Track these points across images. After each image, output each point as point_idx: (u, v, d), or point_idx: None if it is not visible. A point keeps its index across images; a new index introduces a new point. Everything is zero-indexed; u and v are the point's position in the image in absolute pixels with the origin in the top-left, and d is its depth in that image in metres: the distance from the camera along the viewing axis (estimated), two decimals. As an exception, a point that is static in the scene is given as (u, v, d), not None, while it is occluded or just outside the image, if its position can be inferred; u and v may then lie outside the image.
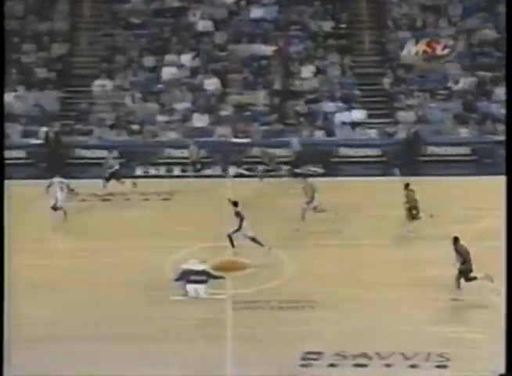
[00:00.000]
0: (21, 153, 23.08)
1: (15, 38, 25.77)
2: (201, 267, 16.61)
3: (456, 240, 15.15)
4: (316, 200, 18.49)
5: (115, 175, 20.82)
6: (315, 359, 13.41)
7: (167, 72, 25.65)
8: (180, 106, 24.94)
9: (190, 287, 15.86)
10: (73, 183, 21.08)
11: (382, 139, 24.20)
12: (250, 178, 22.59)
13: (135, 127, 24.31)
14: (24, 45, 25.73)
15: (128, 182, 20.92)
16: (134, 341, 14.06)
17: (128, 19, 26.84)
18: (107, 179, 20.80)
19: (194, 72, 25.77)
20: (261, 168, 22.25)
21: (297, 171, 22.85)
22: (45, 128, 23.49)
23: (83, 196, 20.77)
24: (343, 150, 23.79)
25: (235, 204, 17.41)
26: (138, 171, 22.93)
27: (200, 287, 15.87)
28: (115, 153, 21.96)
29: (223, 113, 24.90)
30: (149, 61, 25.96)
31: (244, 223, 17.13)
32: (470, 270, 15.01)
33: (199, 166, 22.34)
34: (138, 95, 25.04)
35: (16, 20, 26.21)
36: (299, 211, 18.66)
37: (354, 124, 24.66)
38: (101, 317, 14.83)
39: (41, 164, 22.81)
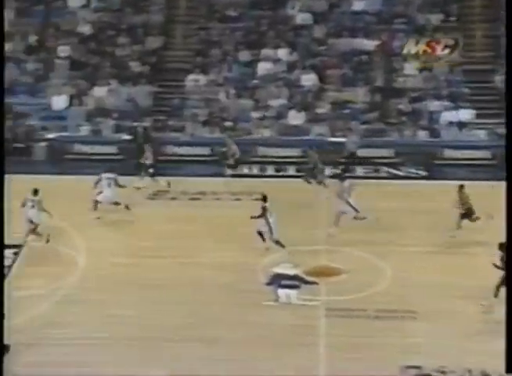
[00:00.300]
0: (112, 149, 23.67)
1: (110, 31, 26.49)
2: (294, 271, 16.60)
3: (501, 246, 14.74)
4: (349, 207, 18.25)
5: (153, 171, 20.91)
6: (414, 374, 13.15)
7: (263, 67, 25.79)
8: (275, 102, 25.02)
9: (282, 291, 15.90)
10: (163, 180, 21.62)
11: (492, 140, 23.52)
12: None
13: (228, 124, 24.54)
14: (119, 38, 26.35)
15: (162, 180, 20.99)
16: (222, 345, 14.21)
17: (224, 12, 27.15)
18: (151, 176, 20.99)
19: (291, 67, 25.80)
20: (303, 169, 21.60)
21: (399, 173, 22.56)
22: (134, 124, 24.03)
23: (173, 194, 21.15)
24: (448, 152, 23.32)
25: (264, 199, 17.53)
26: (230, 170, 23.08)
27: (292, 293, 15.88)
28: (149, 148, 21.80)
29: (320, 110, 24.82)
30: (244, 55, 26.17)
31: (260, 220, 17.23)
32: None
33: (232, 163, 21.81)
34: (232, 90, 25.27)
35: (112, 13, 26.93)
36: (395, 216, 18.39)
37: (461, 125, 24.09)
38: (189, 319, 15.04)
39: (132, 160, 23.30)
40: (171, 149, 23.84)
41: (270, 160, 23.42)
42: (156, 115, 24.78)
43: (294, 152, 23.58)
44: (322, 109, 24.83)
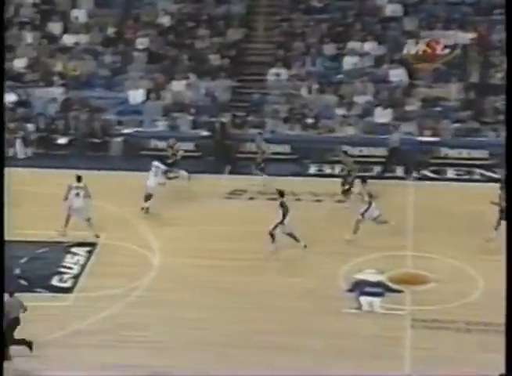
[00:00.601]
0: (190, 146, 23.88)
1: (190, 23, 26.74)
2: (377, 278, 16.43)
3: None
4: (374, 208, 17.88)
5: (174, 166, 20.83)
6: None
7: (349, 61, 25.62)
8: (361, 99, 24.81)
9: (364, 299, 15.76)
10: (240, 179, 21.68)
11: None
12: (437, 181, 22.06)
13: (310, 120, 24.46)
14: (199, 29, 26.56)
15: (183, 172, 20.87)
16: (299, 354, 14.15)
17: (309, 3, 27.07)
18: (168, 165, 20.84)
19: (378, 61, 25.55)
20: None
21: (494, 175, 22.09)
22: (212, 119, 24.19)
23: (251, 193, 21.20)
24: (549, 154, 22.59)
25: (281, 194, 17.66)
26: (312, 170, 23.03)
27: (375, 301, 15.73)
28: (172, 141, 21.72)
29: (409, 107, 24.48)
30: (329, 49, 26.03)
31: (287, 218, 17.27)
32: None
33: (263, 164, 21.51)
34: (315, 85, 25.17)
35: (192, 4, 27.19)
36: (489, 221, 17.92)
37: None
38: (265, 326, 15.04)
39: (209, 157, 23.51)
40: (250, 146, 23.90)
41: (354, 159, 23.19)
42: (235, 111, 24.89)
43: (380, 151, 23.31)
44: (411, 106, 24.47)
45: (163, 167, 19.85)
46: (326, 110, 24.71)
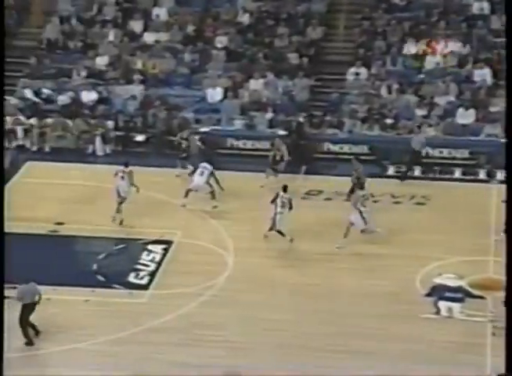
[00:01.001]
0: (266, 145, 23.81)
1: (269, 21, 26.74)
2: (457, 283, 16.08)
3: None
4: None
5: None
6: None
7: (431, 61, 25.21)
8: (442, 99, 24.37)
9: (443, 304, 15.48)
10: (317, 179, 21.55)
11: None
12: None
13: (390, 121, 24.17)
14: (279, 28, 26.50)
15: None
16: (373, 358, 14.04)
17: (391, 1, 26.76)
18: (182, 159, 21.18)
19: (462, 61, 25.05)
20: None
21: None
22: (289, 119, 24.13)
23: (328, 194, 21.06)
24: None
25: (284, 189, 18.09)
26: (390, 171, 22.74)
27: (455, 306, 15.43)
28: (185, 134, 22.09)
29: (493, 109, 23.91)
30: (410, 48, 25.67)
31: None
32: None
33: (278, 166, 21.29)
34: (395, 85, 24.85)
35: (272, 2, 27.15)
36: None
37: None
38: (340, 329, 14.97)
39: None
40: (327, 146, 23.75)
41: (434, 161, 22.83)
42: (313, 110, 24.77)
43: (461, 153, 22.89)
44: (496, 107, 23.88)
45: (210, 167, 20.03)
46: (406, 111, 24.35)
